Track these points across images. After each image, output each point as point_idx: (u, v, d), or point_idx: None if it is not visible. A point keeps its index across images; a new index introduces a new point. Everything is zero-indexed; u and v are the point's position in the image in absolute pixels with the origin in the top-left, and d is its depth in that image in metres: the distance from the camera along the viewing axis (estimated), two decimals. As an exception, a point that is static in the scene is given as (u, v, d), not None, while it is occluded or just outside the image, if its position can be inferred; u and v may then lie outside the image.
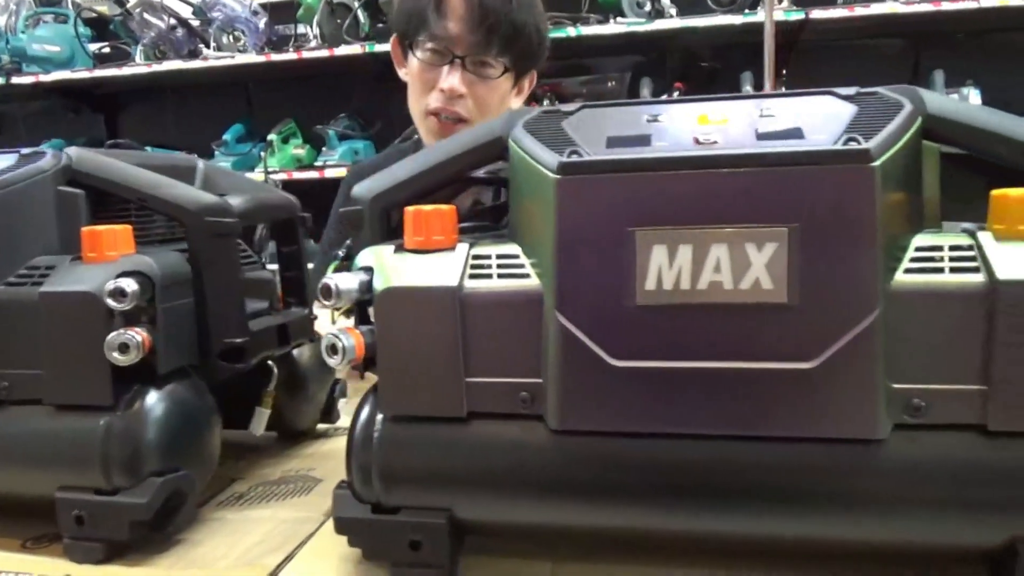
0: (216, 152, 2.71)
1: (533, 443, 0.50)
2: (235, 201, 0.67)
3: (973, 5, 2.25)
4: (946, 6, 2.27)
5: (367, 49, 2.53)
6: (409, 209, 0.54)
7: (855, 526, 0.48)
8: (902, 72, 2.69)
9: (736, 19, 2.35)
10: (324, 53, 2.54)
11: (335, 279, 0.51)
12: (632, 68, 2.76)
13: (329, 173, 2.56)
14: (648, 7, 2.47)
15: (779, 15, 2.35)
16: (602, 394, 0.49)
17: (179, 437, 0.61)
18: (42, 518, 0.63)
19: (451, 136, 0.60)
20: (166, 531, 0.60)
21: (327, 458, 0.80)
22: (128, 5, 2.71)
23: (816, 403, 0.46)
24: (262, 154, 2.59)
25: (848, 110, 0.50)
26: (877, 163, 0.45)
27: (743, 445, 0.48)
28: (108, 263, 0.60)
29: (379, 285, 0.52)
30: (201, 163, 0.82)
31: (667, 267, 0.47)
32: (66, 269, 0.61)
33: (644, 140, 0.50)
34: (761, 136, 0.48)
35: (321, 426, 0.89)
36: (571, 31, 2.44)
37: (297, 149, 2.64)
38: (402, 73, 1.19)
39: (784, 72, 2.65)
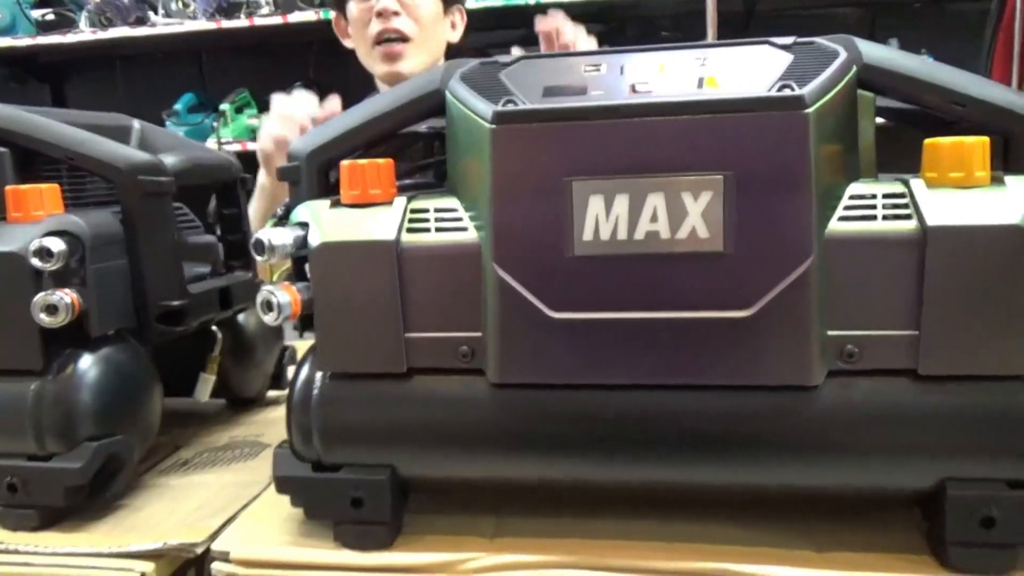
0: (167, 122, 2.63)
1: (474, 397, 0.50)
2: (169, 160, 0.65)
3: (928, -27, 2.27)
4: (901, -26, 2.29)
5: (322, 15, 2.47)
6: (344, 163, 0.53)
7: (792, 472, 0.48)
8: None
9: (695, -13, 2.34)
10: (277, 20, 2.47)
11: (268, 234, 0.50)
12: (595, 36, 2.74)
13: (285, 143, 2.51)
14: (609, -26, 2.45)
15: (738, -18, 2.35)
16: (541, 346, 0.48)
17: (114, 401, 0.59)
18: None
19: (390, 89, 0.58)
20: (104, 497, 0.59)
21: (275, 424, 0.79)
22: (70, -31, 2.61)
23: (752, 351, 0.47)
24: (215, 124, 2.53)
25: (784, 59, 0.50)
26: (811, 110, 0.45)
27: (681, 394, 0.48)
28: (34, 223, 0.58)
29: (314, 240, 0.51)
30: (137, 123, 0.79)
31: (604, 217, 0.47)
32: (-11, 230, 0.58)
33: (581, 90, 0.49)
34: (699, 84, 0.48)
35: (271, 393, 0.88)
36: (532, 0, 2.41)
37: (252, 119, 2.58)
38: (348, 42, 1.22)
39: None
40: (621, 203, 0.47)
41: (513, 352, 0.49)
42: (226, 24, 2.53)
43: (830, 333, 0.47)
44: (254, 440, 0.74)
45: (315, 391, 0.52)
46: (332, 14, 1.28)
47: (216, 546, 0.53)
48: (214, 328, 0.75)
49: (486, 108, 0.48)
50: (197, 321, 0.68)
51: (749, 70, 0.49)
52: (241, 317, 0.79)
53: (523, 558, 0.50)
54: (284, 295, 0.50)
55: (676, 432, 0.49)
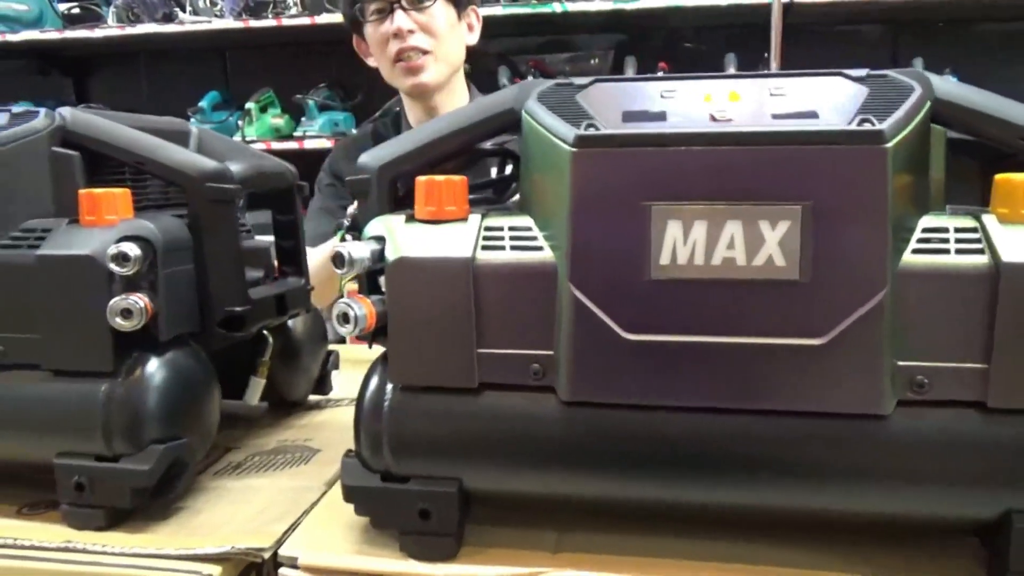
0: (192, 119, 2.64)
1: (544, 414, 0.51)
2: (236, 167, 0.66)
3: (954, -6, 2.28)
4: (928, -6, 2.30)
5: (349, 18, 2.49)
6: (421, 179, 0.54)
7: (857, 498, 0.49)
8: (881, 58, 2.71)
9: (721, 0, 2.35)
10: (305, 21, 2.49)
11: (348, 247, 0.51)
12: (615, 46, 2.75)
13: (309, 144, 2.52)
14: (635, -16, 2.46)
15: (764, -3, 2.36)
16: (614, 366, 0.49)
17: (180, 405, 0.60)
18: (36, 484, 0.62)
19: (460, 108, 0.59)
20: (167, 499, 0.60)
21: (323, 429, 0.80)
22: (100, -36, 2.62)
23: (824, 378, 0.48)
24: (239, 123, 2.55)
25: (860, 91, 0.50)
26: (890, 144, 0.46)
27: (752, 419, 0.49)
28: (108, 227, 0.59)
29: (391, 255, 0.52)
30: (195, 128, 0.80)
31: (681, 242, 0.48)
32: (63, 232, 0.59)
33: (660, 116, 0.50)
34: (775, 115, 0.49)
35: (313, 397, 0.89)
36: (556, 7, 2.42)
37: (276, 119, 2.59)
38: (371, 61, 1.25)
39: (766, 55, 2.67)
40: (699, 229, 0.47)
41: (585, 371, 0.50)
42: (253, 24, 2.54)
43: (901, 363, 0.48)
44: (303, 445, 0.75)
45: (386, 403, 0.53)
46: (354, 39, 1.31)
47: (283, 552, 0.53)
48: (264, 332, 0.76)
49: (567, 131, 0.49)
50: (256, 327, 0.69)
51: (825, 101, 0.50)
52: (289, 322, 0.80)
53: (586, 575, 0.51)
54: (361, 308, 0.51)
55: (745, 456, 0.50)
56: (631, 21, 2.60)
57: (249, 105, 2.56)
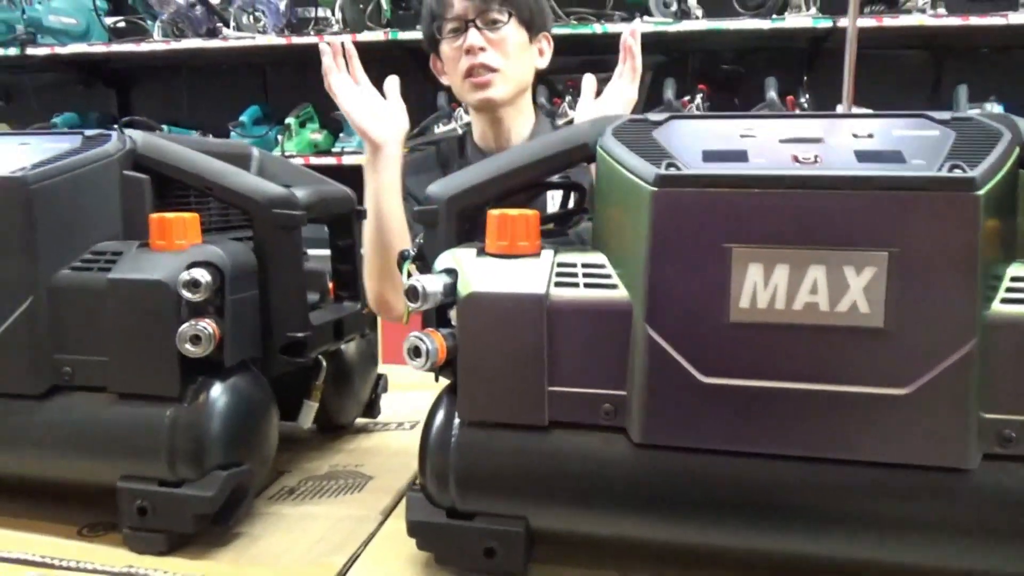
0: (232, 133, 2.68)
1: (615, 455, 0.50)
2: (301, 193, 0.66)
3: (1001, 21, 2.24)
4: (974, 21, 2.26)
5: (389, 36, 2.51)
6: (493, 212, 0.53)
7: (937, 553, 0.48)
8: (923, 84, 2.68)
9: (764, 23, 2.34)
10: (346, 38, 2.52)
11: (422, 281, 0.50)
12: (654, 67, 2.75)
13: (347, 160, 2.54)
14: (674, 7, 2.45)
15: (807, 22, 2.34)
16: (689, 410, 0.48)
17: (243, 431, 0.60)
18: (95, 505, 0.62)
19: (531, 142, 0.59)
20: (227, 525, 0.59)
21: (373, 454, 0.79)
22: (148, -20, 2.67)
23: (907, 430, 0.46)
24: (279, 137, 2.57)
25: (946, 135, 0.49)
26: (981, 192, 0.45)
27: (829, 468, 0.48)
28: (178, 252, 0.59)
29: (463, 290, 0.51)
30: (256, 151, 0.81)
31: (762, 285, 0.47)
32: (134, 256, 0.60)
33: (741, 156, 0.49)
34: (861, 157, 0.48)
35: (360, 420, 0.89)
36: (596, 28, 2.43)
37: (314, 134, 2.62)
38: (444, 79, 1.34)
39: (806, 78, 2.65)
40: (781, 272, 0.47)
41: (659, 413, 0.49)
42: (295, 40, 2.57)
43: (987, 416, 0.46)
44: (355, 471, 0.75)
45: (453, 438, 0.52)
46: (431, 58, 1.37)
47: (345, 585, 0.53)
48: (319, 356, 0.76)
49: (647, 169, 0.48)
50: (316, 352, 0.69)
51: (910, 144, 0.49)
52: (342, 345, 0.80)
53: (654, 620, 0.50)
54: (432, 342, 0.51)
55: (821, 505, 0.48)
56: (668, 43, 2.60)
57: (289, 120, 2.59)
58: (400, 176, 1.16)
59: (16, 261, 0.59)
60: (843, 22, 2.29)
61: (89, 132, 0.66)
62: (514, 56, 1.29)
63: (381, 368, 0.89)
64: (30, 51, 2.79)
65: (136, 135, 0.66)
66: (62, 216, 0.60)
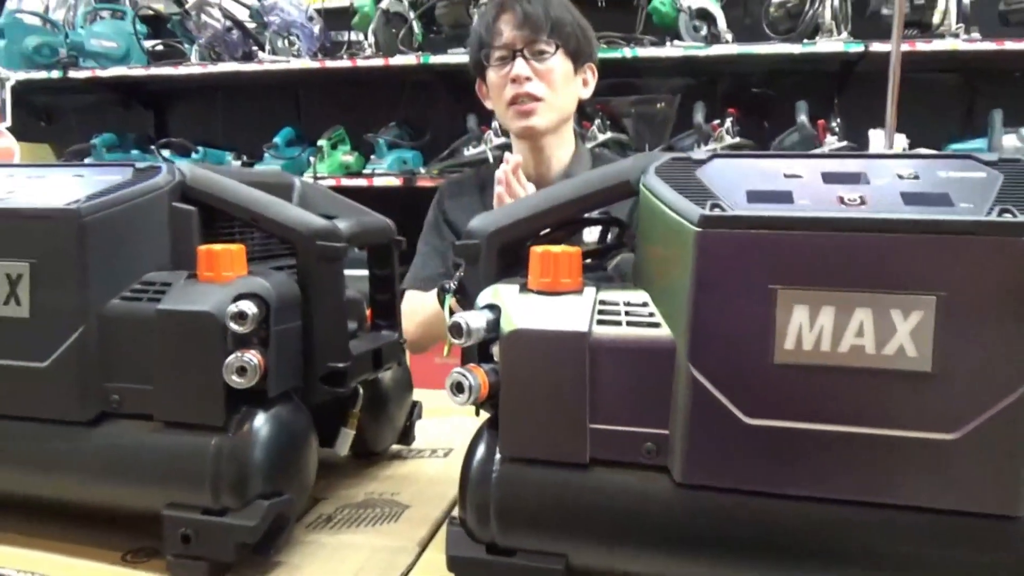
0: (266, 154, 2.73)
1: (656, 494, 0.50)
2: (343, 225, 0.68)
3: (1036, 45, 2.22)
4: (1008, 45, 2.24)
5: (421, 60, 2.54)
6: (536, 249, 0.54)
7: (986, 601, 0.47)
8: (957, 108, 2.66)
9: (794, 48, 2.33)
10: (379, 62, 2.56)
11: (465, 318, 0.51)
12: (683, 90, 2.75)
13: (378, 182, 2.57)
14: (704, 31, 2.46)
15: (838, 46, 2.33)
16: (733, 450, 0.48)
17: (285, 461, 0.61)
18: (139, 531, 0.63)
19: (574, 178, 0.60)
20: (267, 554, 0.60)
21: (408, 482, 0.80)
22: (187, 5, 2.74)
23: (955, 475, 0.46)
24: (311, 159, 2.61)
25: (993, 177, 0.49)
26: (1031, 236, 0.44)
27: (875, 512, 0.47)
28: (225, 283, 0.60)
29: (506, 326, 0.52)
30: (297, 181, 0.83)
31: (808, 327, 0.47)
32: (182, 287, 0.61)
33: (786, 196, 0.49)
34: (907, 199, 0.48)
35: (394, 447, 0.89)
36: (626, 52, 2.44)
37: (346, 156, 2.66)
38: (488, 103, 1.39)
39: (837, 101, 2.64)
40: (827, 314, 0.47)
41: (702, 453, 0.49)
42: (329, 64, 2.62)
43: (1037, 462, 0.45)
44: (391, 499, 0.75)
45: (494, 473, 0.53)
46: (477, 83, 1.42)
47: (384, 618, 0.53)
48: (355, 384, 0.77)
49: (691, 209, 0.49)
50: (355, 382, 0.70)
51: (957, 186, 0.49)
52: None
53: (696, 662, 0.49)
54: (475, 377, 0.51)
55: (866, 549, 0.48)
56: (699, 66, 2.60)
57: (321, 142, 2.63)
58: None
59: (69, 290, 0.61)
60: (875, 46, 2.28)
61: (140, 164, 0.68)
62: (558, 86, 1.31)
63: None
64: (72, 74, 2.87)
65: (185, 167, 0.68)
66: (114, 247, 0.62)
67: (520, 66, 1.28)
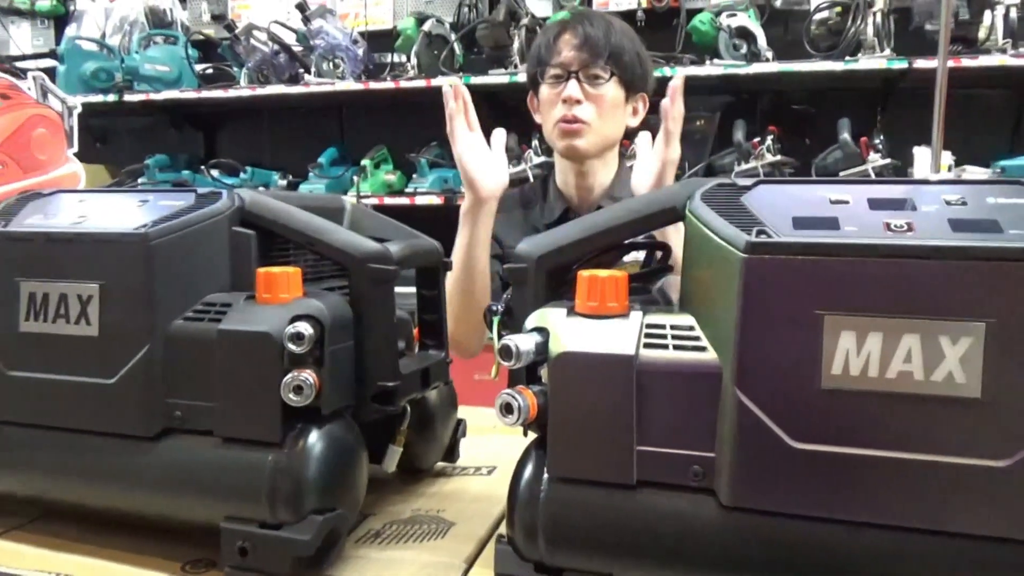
0: (311, 174, 2.80)
1: (703, 516, 0.51)
2: (394, 248, 0.70)
3: (1088, 60, 2.18)
4: (1059, 60, 2.21)
5: (462, 80, 2.59)
6: (583, 274, 0.55)
7: (1040, 631, 0.46)
8: (1005, 124, 2.61)
9: (836, 65, 2.32)
10: (420, 83, 2.61)
11: (515, 340, 0.53)
12: (722, 108, 2.75)
13: (419, 200, 2.62)
14: (744, 49, 2.46)
15: (881, 63, 2.31)
16: (779, 474, 0.49)
17: (337, 477, 0.63)
18: (198, 543, 0.66)
19: (621, 203, 0.61)
20: (320, 568, 0.62)
21: (453, 499, 0.81)
22: (236, 31, 2.83)
23: (1005, 502, 0.46)
24: (355, 178, 2.67)
25: (1044, 203, 0.49)
26: (1083, 262, 0.44)
27: (922, 538, 0.47)
28: (282, 305, 0.63)
29: (554, 349, 0.53)
30: (348, 204, 0.86)
31: (855, 353, 0.47)
32: (241, 308, 0.64)
33: (832, 223, 0.50)
34: (955, 226, 0.48)
35: (439, 464, 0.91)
36: (666, 70, 2.45)
37: (388, 175, 2.71)
38: (537, 117, 1.40)
39: (880, 118, 2.61)
40: (874, 340, 0.47)
41: (748, 477, 0.49)
42: (373, 85, 2.68)
43: (1092, 491, 0.45)
44: (437, 516, 0.76)
45: (542, 493, 0.54)
46: (528, 95, 1.43)
47: (434, 634, 0.55)
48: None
49: (738, 236, 0.50)
50: (404, 400, 0.72)
51: (1006, 212, 0.49)
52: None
53: None
54: (524, 399, 0.53)
55: (912, 575, 0.48)
56: (739, 83, 2.60)
57: (364, 162, 2.69)
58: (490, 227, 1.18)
59: (136, 310, 0.64)
60: (919, 63, 2.25)
61: (202, 190, 0.71)
62: (607, 113, 1.32)
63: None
64: (127, 97, 2.98)
65: (245, 193, 0.71)
66: (178, 269, 0.65)
67: (572, 88, 1.29)
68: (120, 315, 0.64)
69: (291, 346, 0.60)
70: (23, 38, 3.48)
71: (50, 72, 2.77)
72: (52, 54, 3.28)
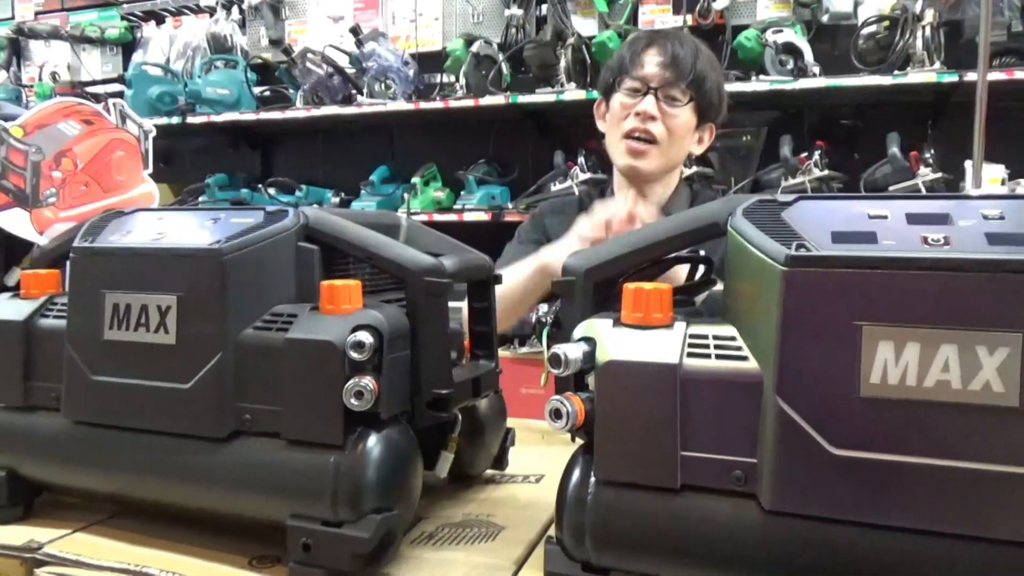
0: (362, 192, 2.88)
1: (745, 520, 0.53)
2: (448, 262, 0.73)
3: None
4: (1119, 71, 2.16)
5: (510, 99, 2.64)
6: (629, 286, 0.58)
7: (1083, 638, 0.47)
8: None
9: (885, 79, 2.30)
10: (469, 102, 2.67)
11: (564, 349, 0.55)
12: (769, 123, 2.74)
13: (468, 216, 2.67)
14: (791, 65, 2.46)
15: (931, 77, 2.29)
16: (819, 480, 0.50)
17: (394, 479, 0.66)
18: (264, 539, 0.70)
19: (666, 219, 0.64)
20: (378, 565, 0.65)
21: (502, 505, 0.84)
22: (293, 55, 2.94)
23: (1046, 509, 0.47)
24: (405, 195, 2.74)
25: (1083, 217, 0.50)
26: (1121, 275, 0.45)
27: (961, 544, 0.49)
28: (344, 315, 0.67)
29: (601, 358, 0.56)
30: (404, 220, 0.90)
31: (893, 362, 0.49)
32: (306, 318, 0.68)
33: (870, 237, 0.52)
34: (992, 239, 0.50)
35: (488, 471, 0.94)
36: (711, 87, 2.46)
37: (437, 192, 2.78)
38: (601, 124, 1.40)
39: (930, 132, 2.57)
40: (911, 350, 0.49)
41: (790, 482, 0.51)
42: (423, 105, 2.75)
43: None
44: (487, 520, 0.79)
45: (589, 496, 0.56)
46: (597, 101, 1.42)
47: (486, 628, 0.57)
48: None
49: (778, 250, 0.52)
50: (457, 407, 0.75)
51: (1044, 227, 0.50)
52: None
53: None
54: (572, 405, 0.55)
55: (954, 580, 0.49)
56: (786, 98, 2.60)
57: (414, 179, 2.76)
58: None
59: (211, 320, 0.69)
60: (970, 76, 2.22)
61: (270, 208, 0.76)
62: (677, 136, 1.31)
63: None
64: (189, 119, 3.11)
65: (309, 211, 0.76)
66: (248, 282, 0.70)
67: (648, 103, 1.28)
68: (195, 325, 0.69)
69: (352, 354, 0.63)
70: (93, 64, 3.66)
71: (118, 96, 2.91)
72: (120, 79, 3.46)
